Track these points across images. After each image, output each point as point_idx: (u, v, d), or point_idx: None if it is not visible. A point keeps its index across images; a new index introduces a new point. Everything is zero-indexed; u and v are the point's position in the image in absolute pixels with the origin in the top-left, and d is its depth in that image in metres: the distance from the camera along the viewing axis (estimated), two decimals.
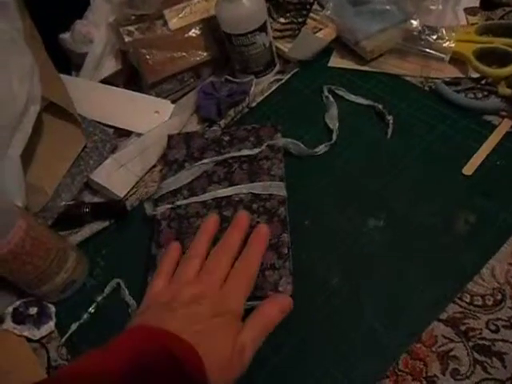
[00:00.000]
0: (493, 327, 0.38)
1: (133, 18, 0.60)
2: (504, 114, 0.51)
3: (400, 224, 0.45)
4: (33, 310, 0.46)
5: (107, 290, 0.47)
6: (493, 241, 0.42)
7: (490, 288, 0.40)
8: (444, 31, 0.55)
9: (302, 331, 0.41)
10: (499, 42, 0.54)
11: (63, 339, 0.45)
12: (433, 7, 0.56)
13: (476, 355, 0.37)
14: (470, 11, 0.58)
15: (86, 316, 0.46)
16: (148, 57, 0.59)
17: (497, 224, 0.43)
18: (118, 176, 0.53)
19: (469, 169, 0.48)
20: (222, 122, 0.58)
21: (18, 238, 0.41)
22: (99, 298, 0.47)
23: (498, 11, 0.58)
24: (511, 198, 0.45)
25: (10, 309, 0.46)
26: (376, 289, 0.42)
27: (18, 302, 0.47)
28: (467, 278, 0.41)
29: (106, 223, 0.52)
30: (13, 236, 0.40)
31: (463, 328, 0.38)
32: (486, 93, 0.53)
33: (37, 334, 0.45)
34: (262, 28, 0.55)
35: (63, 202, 0.51)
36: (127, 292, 0.46)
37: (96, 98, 0.61)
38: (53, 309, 0.47)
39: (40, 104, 0.50)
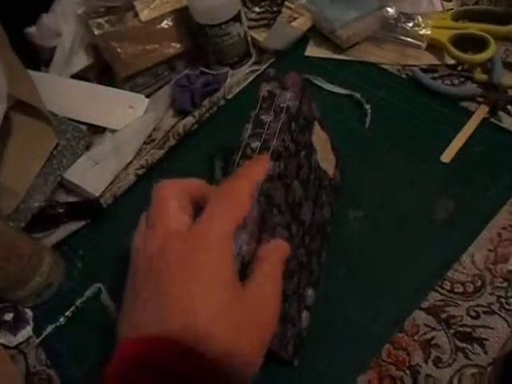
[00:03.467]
0: (473, 314, 0.38)
1: (102, 10, 0.58)
2: (480, 99, 0.51)
3: (379, 214, 0.45)
4: (8, 316, 0.45)
5: (87, 293, 0.46)
6: (472, 227, 0.43)
7: (470, 275, 0.40)
8: (420, 18, 0.54)
9: None
10: (474, 28, 0.54)
11: (37, 341, 0.44)
12: None
13: (457, 342, 0.37)
14: None
15: (62, 319, 0.44)
16: (119, 50, 0.57)
17: (475, 210, 0.44)
18: (92, 174, 0.52)
19: (447, 156, 0.48)
20: (197, 113, 0.56)
21: None
22: (78, 301, 0.46)
23: None
24: (489, 185, 0.45)
25: None
26: (357, 280, 0.42)
27: None
28: (447, 266, 0.41)
29: (82, 223, 0.51)
30: None
31: (444, 316, 0.39)
32: (462, 79, 0.53)
33: (13, 340, 0.44)
34: (236, 18, 0.54)
35: (36, 203, 0.50)
36: (108, 296, 0.45)
37: (67, 94, 0.59)
38: (30, 313, 0.46)
39: (7, 102, 0.48)
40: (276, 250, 0.31)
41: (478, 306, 0.39)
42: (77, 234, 0.51)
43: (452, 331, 0.38)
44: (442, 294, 0.40)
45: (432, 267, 0.41)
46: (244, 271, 0.28)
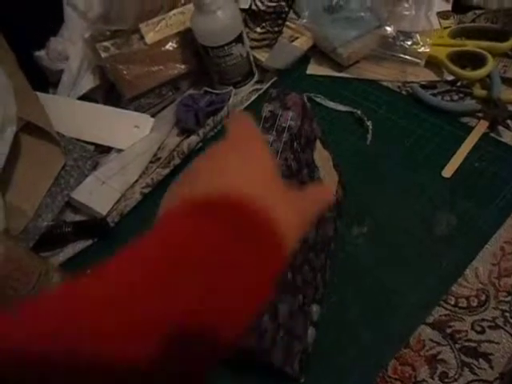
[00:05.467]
0: (478, 328, 0.38)
1: (108, 33, 0.60)
2: (480, 115, 0.51)
3: (383, 230, 0.46)
4: None
5: None
6: (475, 242, 0.43)
7: (474, 289, 0.40)
8: (418, 36, 0.56)
9: None
10: (472, 45, 0.55)
11: None
12: (406, 13, 0.57)
13: (463, 357, 0.37)
14: (442, 15, 0.59)
15: None
16: (125, 72, 0.59)
17: (478, 225, 0.44)
18: (99, 193, 0.53)
19: (448, 171, 0.48)
20: (201, 132, 0.57)
21: None
22: None
23: (469, 14, 0.59)
24: (491, 199, 0.45)
25: None
26: (362, 296, 0.42)
27: None
28: (451, 281, 0.41)
29: (90, 242, 0.52)
30: None
31: (449, 331, 0.39)
32: (461, 95, 0.54)
33: None
34: (238, 39, 0.55)
35: (45, 223, 0.51)
36: None
37: (75, 115, 0.61)
38: None
39: (16, 124, 0.49)
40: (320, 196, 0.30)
41: (482, 320, 0.39)
42: (84, 253, 0.52)
43: (458, 346, 0.38)
44: (446, 308, 0.40)
45: (436, 282, 0.41)
46: None
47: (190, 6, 0.60)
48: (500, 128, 0.50)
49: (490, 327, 0.38)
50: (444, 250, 0.43)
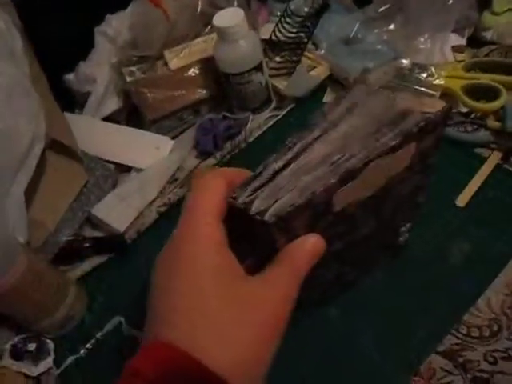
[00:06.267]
0: (491, 359, 0.38)
1: (134, 59, 0.63)
2: (493, 146, 0.52)
3: (395, 257, 0.46)
4: (31, 346, 0.46)
5: (108, 327, 0.47)
6: (488, 271, 0.43)
7: (486, 319, 0.40)
8: (433, 69, 0.57)
9: (300, 366, 0.41)
10: (486, 78, 0.56)
11: (57, 372, 0.45)
12: (422, 46, 0.59)
13: None
14: (457, 49, 0.61)
15: (82, 351, 0.46)
16: (148, 95, 0.61)
17: (491, 254, 0.44)
18: (118, 211, 0.55)
19: (462, 200, 0.49)
20: (219, 154, 0.59)
21: (19, 273, 0.41)
22: (99, 334, 0.47)
23: (483, 49, 0.61)
24: (504, 228, 0.46)
25: (9, 345, 0.46)
26: (373, 323, 0.42)
27: (16, 338, 0.47)
28: (463, 310, 0.41)
29: (106, 257, 0.53)
30: (14, 272, 0.41)
31: (461, 360, 0.38)
32: (475, 126, 0.55)
33: (35, 370, 0.45)
34: (258, 67, 0.57)
35: (64, 237, 0.52)
36: (129, 327, 0.46)
37: (98, 135, 0.63)
38: (51, 344, 0.47)
39: (44, 142, 0.51)
40: (306, 250, 0.27)
41: (495, 351, 0.38)
42: (101, 268, 0.53)
43: (469, 376, 0.38)
44: (458, 337, 0.40)
45: (448, 310, 0.41)
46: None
47: (213, 35, 0.63)
48: None
49: (502, 358, 0.38)
50: (457, 279, 0.43)
